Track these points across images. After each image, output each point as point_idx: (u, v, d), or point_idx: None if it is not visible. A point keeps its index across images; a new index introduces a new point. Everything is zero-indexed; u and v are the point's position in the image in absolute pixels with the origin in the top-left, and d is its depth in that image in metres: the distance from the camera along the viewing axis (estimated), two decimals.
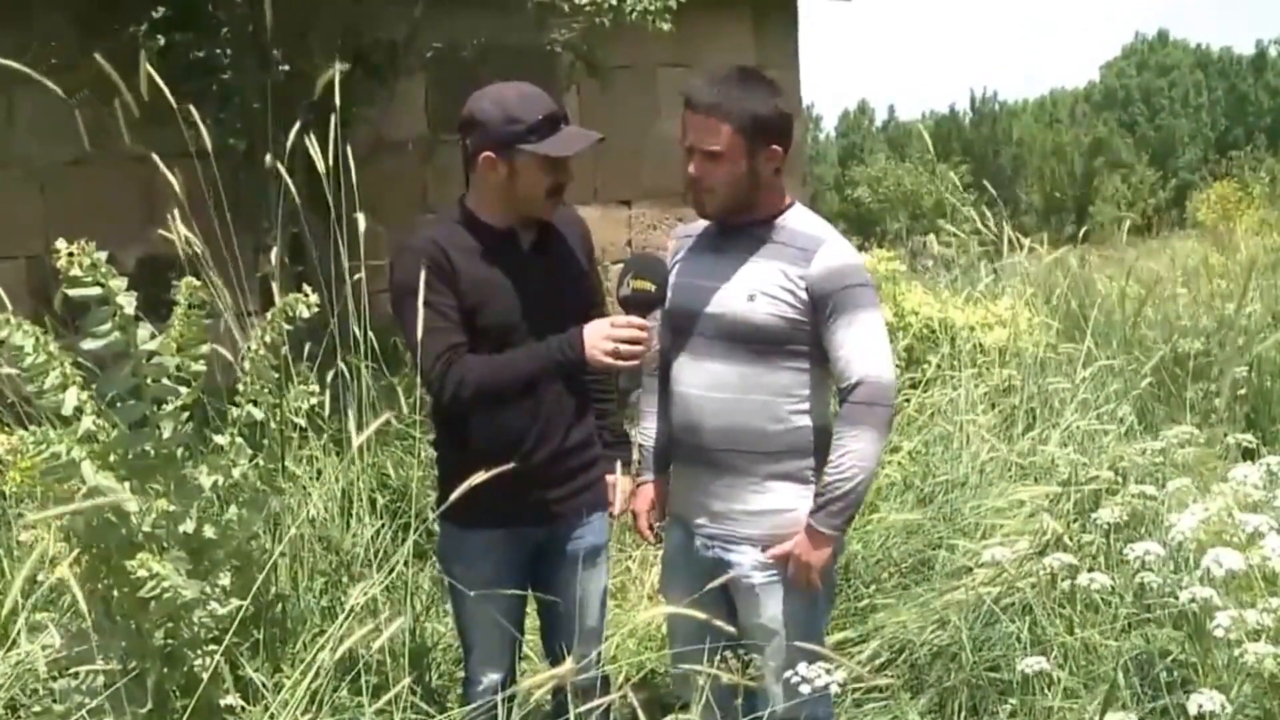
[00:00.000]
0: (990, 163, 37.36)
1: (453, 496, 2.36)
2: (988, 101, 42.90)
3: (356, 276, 3.72)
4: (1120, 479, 3.89)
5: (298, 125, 3.85)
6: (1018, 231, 6.42)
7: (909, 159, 34.94)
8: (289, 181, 3.71)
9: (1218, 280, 6.78)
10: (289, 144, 3.79)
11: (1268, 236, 8.75)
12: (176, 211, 3.52)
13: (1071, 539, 3.46)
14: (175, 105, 3.55)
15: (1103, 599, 3.13)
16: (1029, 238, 6.38)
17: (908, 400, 5.03)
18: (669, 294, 2.69)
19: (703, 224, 2.76)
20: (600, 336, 2.58)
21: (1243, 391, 5.27)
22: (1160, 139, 40.04)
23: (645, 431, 2.92)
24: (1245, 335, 5.68)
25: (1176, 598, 2.68)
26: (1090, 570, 3.03)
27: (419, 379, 2.74)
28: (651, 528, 2.91)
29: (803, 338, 2.60)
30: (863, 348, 2.56)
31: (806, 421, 2.65)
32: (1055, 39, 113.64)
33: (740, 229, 2.66)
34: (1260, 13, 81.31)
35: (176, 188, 3.51)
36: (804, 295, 2.57)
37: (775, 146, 2.59)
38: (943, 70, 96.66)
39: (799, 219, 2.67)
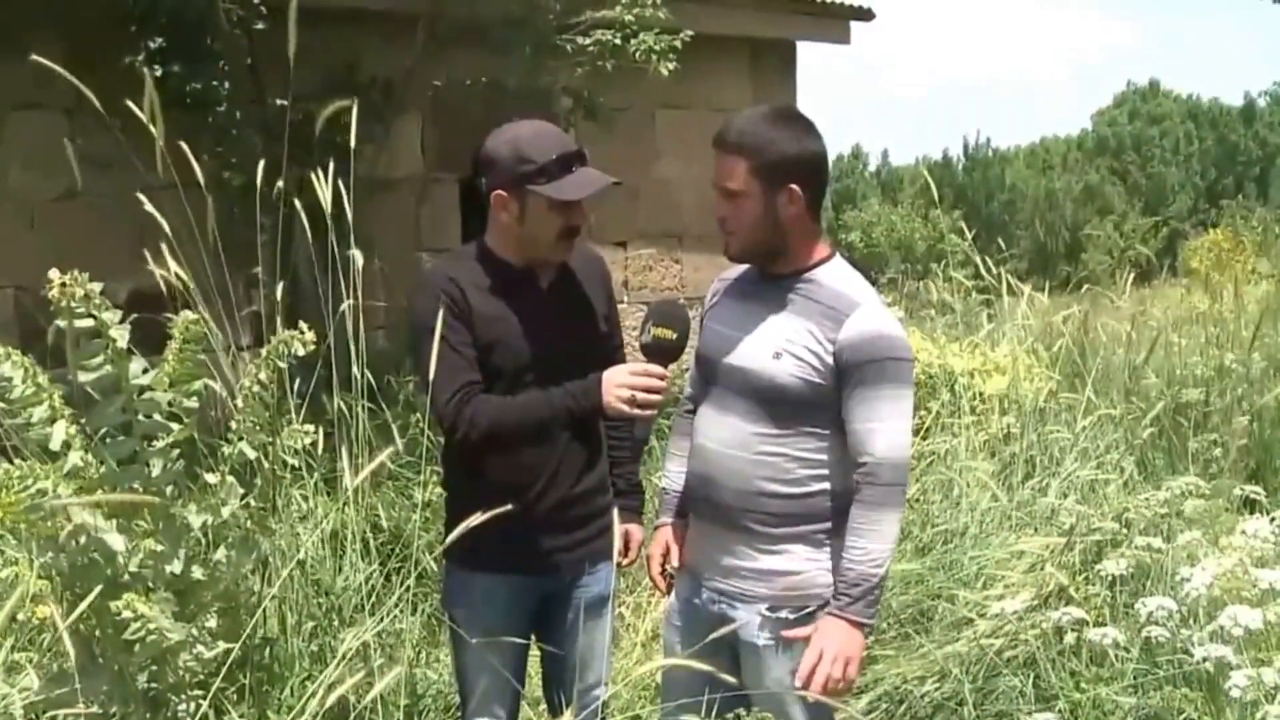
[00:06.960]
0: (983, 209, 37.50)
1: (450, 538, 2.32)
2: (981, 148, 43.12)
3: (343, 308, 3.66)
4: (1125, 529, 3.83)
5: (286, 160, 3.81)
6: (1012, 277, 6.40)
7: (901, 204, 35.05)
8: (303, 216, 3.66)
9: (1213, 329, 6.75)
10: (274, 177, 3.75)
11: (1260, 285, 8.75)
12: (165, 246, 3.46)
13: (1076, 591, 3.40)
14: (188, 149, 3.50)
15: (1113, 654, 3.07)
16: (1027, 284, 6.35)
17: None
18: (700, 337, 2.63)
19: (741, 269, 2.67)
20: (617, 384, 2.53)
21: (1243, 442, 5.22)
22: (1151, 187, 40.29)
23: (669, 474, 2.82)
24: (1246, 385, 5.65)
25: (1188, 653, 2.62)
26: (1096, 623, 2.98)
27: (433, 416, 2.69)
28: (664, 573, 2.81)
29: (826, 403, 2.48)
30: (885, 426, 2.44)
31: (825, 487, 2.53)
32: (1048, 87, 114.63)
33: (774, 279, 2.56)
34: (1248, 66, 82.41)
35: (164, 225, 3.45)
36: (830, 361, 2.45)
37: (794, 186, 2.47)
38: (936, 116, 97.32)
39: (836, 275, 2.55)
